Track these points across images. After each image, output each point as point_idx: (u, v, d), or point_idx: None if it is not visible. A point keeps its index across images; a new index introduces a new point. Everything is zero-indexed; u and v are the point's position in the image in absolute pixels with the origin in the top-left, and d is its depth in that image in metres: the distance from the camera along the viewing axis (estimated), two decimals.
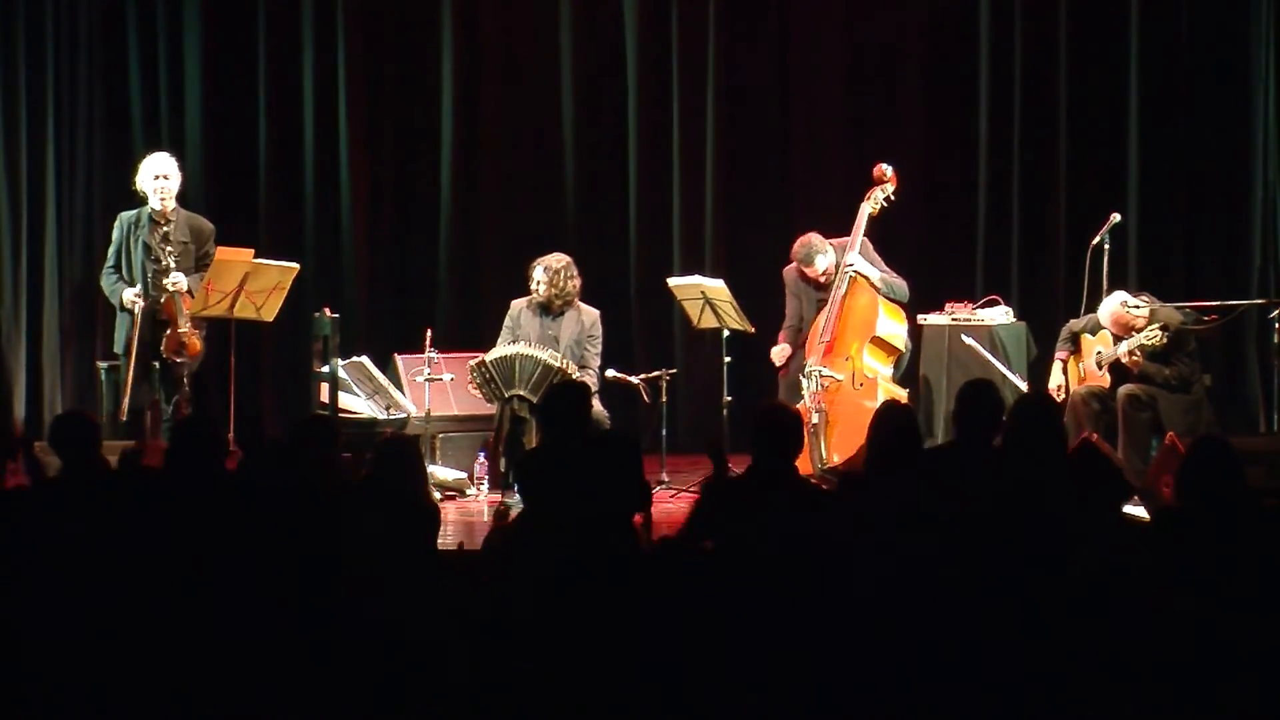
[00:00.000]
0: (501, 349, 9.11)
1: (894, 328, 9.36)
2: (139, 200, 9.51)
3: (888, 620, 3.71)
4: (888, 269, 9.44)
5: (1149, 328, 8.59)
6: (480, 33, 11.46)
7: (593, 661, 3.65)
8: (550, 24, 11.37)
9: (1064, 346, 9.07)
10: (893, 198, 9.42)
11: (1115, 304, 8.81)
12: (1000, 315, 9.93)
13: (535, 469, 5.50)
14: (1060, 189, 10.66)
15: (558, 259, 9.42)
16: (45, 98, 10.96)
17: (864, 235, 9.34)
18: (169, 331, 9.09)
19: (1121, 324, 8.76)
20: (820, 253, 9.31)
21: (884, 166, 9.49)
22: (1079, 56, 10.87)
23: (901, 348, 9.44)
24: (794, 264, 9.42)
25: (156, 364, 9.31)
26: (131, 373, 9.26)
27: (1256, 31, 10.52)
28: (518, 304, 9.54)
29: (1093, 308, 9.15)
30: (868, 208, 9.38)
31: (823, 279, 9.33)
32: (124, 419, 9.31)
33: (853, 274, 9.25)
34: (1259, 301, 9.85)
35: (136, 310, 9.15)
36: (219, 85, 11.34)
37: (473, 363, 9.11)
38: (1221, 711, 3.50)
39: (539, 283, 9.28)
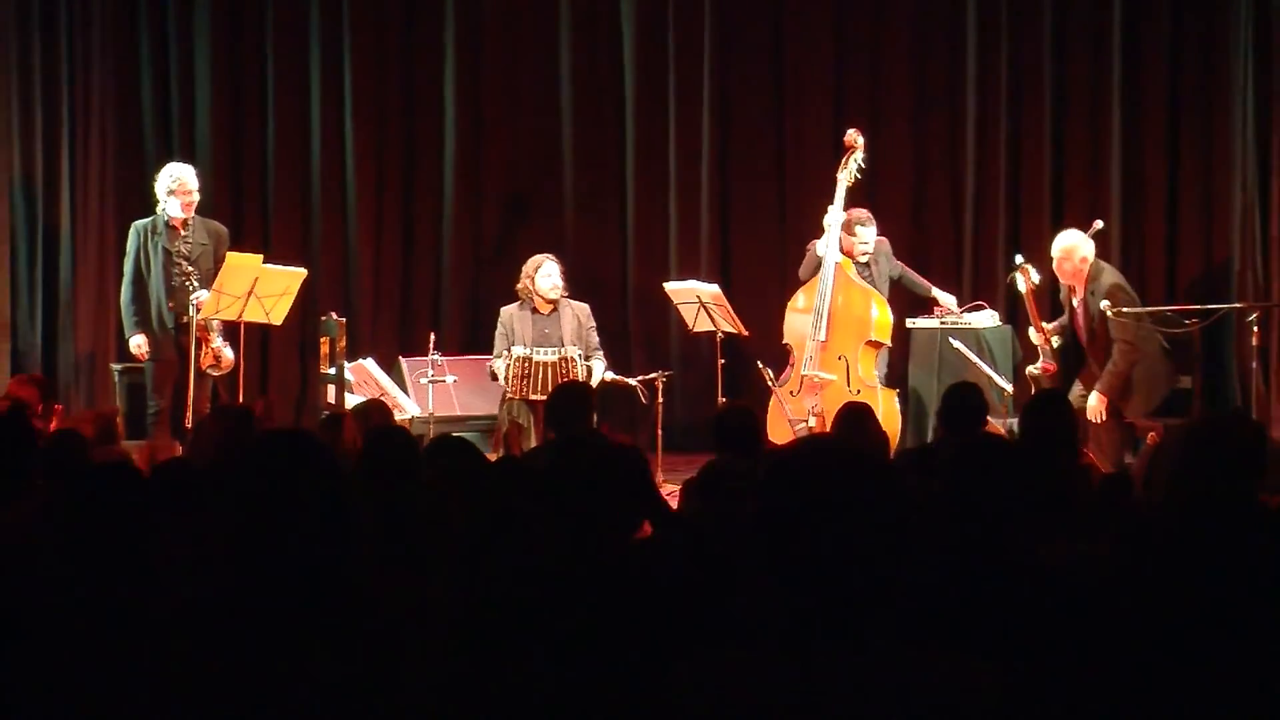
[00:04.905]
0: (538, 354, 9.31)
1: (885, 321, 9.47)
2: (153, 207, 9.52)
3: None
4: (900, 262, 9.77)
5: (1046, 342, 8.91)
6: (482, 48, 11.48)
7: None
8: (550, 38, 11.39)
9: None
10: (864, 164, 9.50)
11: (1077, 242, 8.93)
12: (987, 319, 9.93)
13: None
14: (1045, 197, 10.71)
15: (550, 257, 9.67)
16: (60, 108, 10.95)
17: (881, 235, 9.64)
18: (205, 348, 9.23)
19: (1068, 267, 8.92)
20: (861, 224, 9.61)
21: (852, 132, 9.58)
22: (1064, 69, 10.87)
23: (888, 340, 9.55)
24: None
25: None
26: (152, 380, 9.45)
27: (1236, 45, 10.49)
28: (508, 310, 9.64)
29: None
30: (844, 177, 9.46)
31: (859, 256, 9.59)
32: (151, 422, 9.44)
33: (830, 228, 9.42)
34: (1238, 305, 9.82)
35: (141, 353, 9.39)
36: (229, 96, 11.32)
37: (516, 353, 9.30)
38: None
39: (557, 275, 9.53)
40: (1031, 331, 9.08)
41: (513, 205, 11.57)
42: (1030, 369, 9.09)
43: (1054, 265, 8.98)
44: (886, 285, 9.78)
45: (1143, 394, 8.91)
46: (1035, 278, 8.99)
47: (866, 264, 9.71)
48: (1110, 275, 8.94)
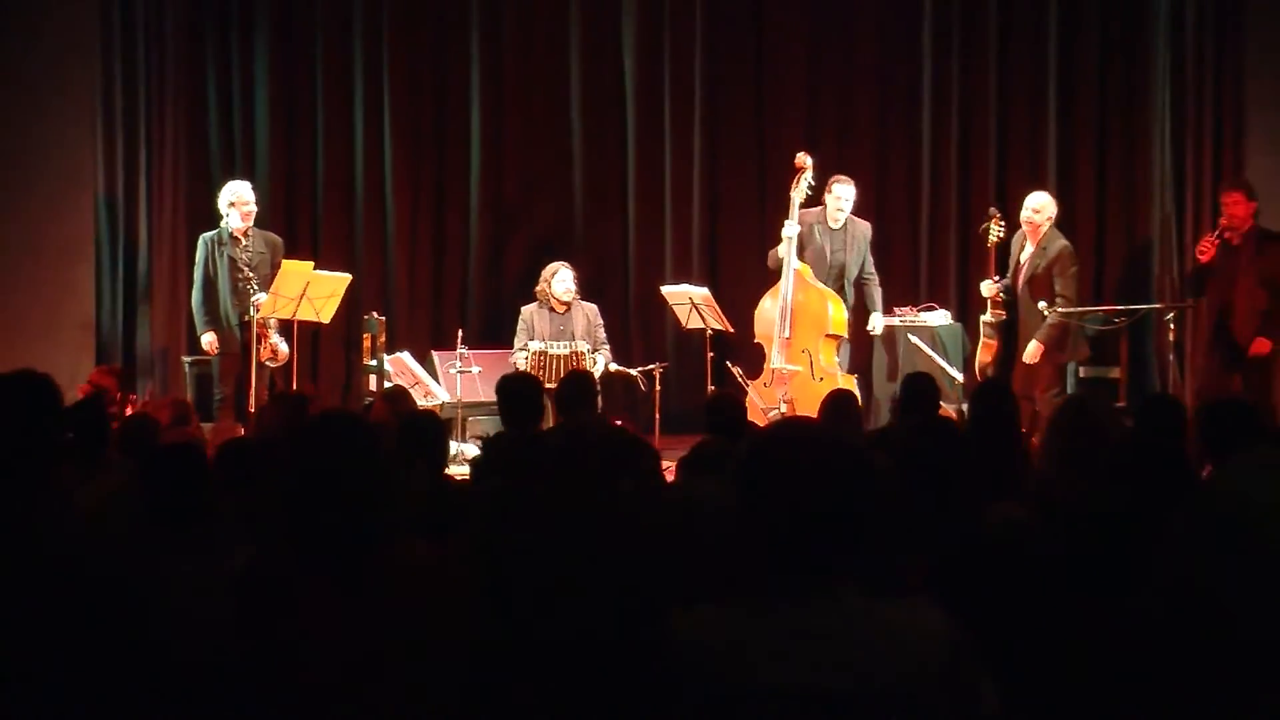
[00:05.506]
0: (553, 347, 9.71)
1: (840, 317, 9.76)
2: (217, 220, 9.87)
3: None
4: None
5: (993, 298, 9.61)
6: (504, 85, 11.82)
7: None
8: (562, 74, 11.75)
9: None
10: (814, 183, 9.83)
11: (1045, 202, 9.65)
12: (941, 318, 10.44)
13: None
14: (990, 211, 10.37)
15: (564, 265, 10.12)
16: (138, 134, 11.31)
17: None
18: (264, 343, 9.60)
19: (1032, 219, 9.65)
20: (839, 182, 9.92)
21: (801, 155, 9.94)
22: (1007, 101, 11.34)
23: (845, 333, 9.84)
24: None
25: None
26: (218, 371, 9.86)
27: (1154, 86, 10.90)
28: (529, 309, 10.14)
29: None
30: (797, 195, 9.83)
31: (835, 214, 9.90)
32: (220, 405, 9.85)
33: (789, 240, 9.81)
34: (1157, 305, 10.20)
35: (212, 349, 9.75)
36: (284, 123, 11.65)
37: (534, 347, 9.75)
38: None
39: (570, 281, 9.93)
40: (986, 284, 9.69)
41: (529, 217, 11.88)
42: (984, 317, 9.68)
43: (1025, 213, 9.73)
44: (859, 256, 10.02)
45: (1075, 342, 9.66)
46: (1002, 233, 9.69)
47: (844, 226, 9.94)
48: (1063, 240, 9.73)
